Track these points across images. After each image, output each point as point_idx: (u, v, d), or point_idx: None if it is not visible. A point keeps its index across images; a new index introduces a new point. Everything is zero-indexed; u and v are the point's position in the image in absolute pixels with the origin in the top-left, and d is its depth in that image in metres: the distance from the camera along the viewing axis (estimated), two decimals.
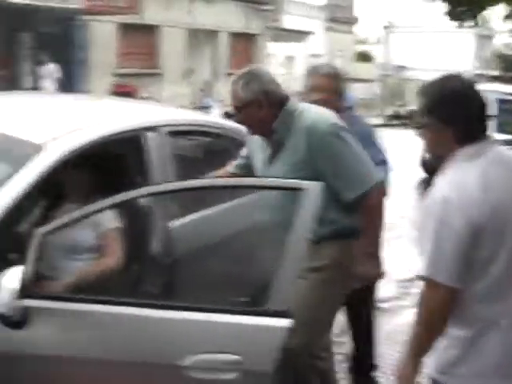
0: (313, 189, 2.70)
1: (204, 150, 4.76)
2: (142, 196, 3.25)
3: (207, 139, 4.58)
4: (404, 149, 16.28)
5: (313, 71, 4.31)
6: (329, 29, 38.70)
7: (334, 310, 3.90)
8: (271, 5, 31.26)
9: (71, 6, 17.84)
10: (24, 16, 18.04)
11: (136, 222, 3.79)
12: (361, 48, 53.68)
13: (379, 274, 3.94)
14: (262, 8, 30.60)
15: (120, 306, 2.83)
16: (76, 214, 2.95)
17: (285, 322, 2.66)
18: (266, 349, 2.68)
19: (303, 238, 2.69)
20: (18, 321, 2.77)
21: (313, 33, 35.02)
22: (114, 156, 3.97)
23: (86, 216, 2.96)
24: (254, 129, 3.74)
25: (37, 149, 3.38)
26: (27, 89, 17.79)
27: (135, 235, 3.77)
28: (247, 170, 3.97)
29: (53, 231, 2.88)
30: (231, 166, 4.10)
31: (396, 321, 6.33)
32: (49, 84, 17.36)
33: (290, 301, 2.66)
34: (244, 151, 4.08)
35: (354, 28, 44.17)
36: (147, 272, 3.71)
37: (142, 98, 19.57)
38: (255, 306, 2.80)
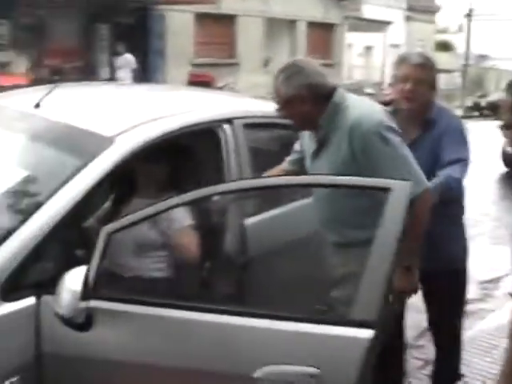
0: (402, 188, 2.45)
1: (281, 142, 4.56)
2: (217, 194, 3.06)
3: (284, 132, 4.37)
4: (484, 141, 15.80)
5: (403, 60, 3.99)
6: (409, 18, 38.01)
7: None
8: None
9: None
10: (101, 7, 18.14)
11: (210, 219, 3.62)
12: (441, 37, 52.64)
13: (414, 290, 3.63)
14: None
15: (190, 311, 2.63)
16: (146, 211, 2.76)
17: (369, 334, 2.40)
18: (348, 362, 2.42)
19: (392, 243, 2.43)
20: (81, 323, 2.61)
21: (392, 22, 34.42)
22: (187, 149, 3.82)
23: (157, 213, 2.77)
24: (299, 124, 3.54)
25: (107, 142, 3.25)
26: (104, 79, 17.87)
27: (209, 234, 3.60)
28: (300, 165, 3.76)
29: (120, 229, 2.71)
30: (286, 162, 3.90)
31: (480, 325, 5.94)
32: (125, 74, 17.39)
33: (377, 310, 2.39)
34: (297, 145, 3.87)
35: (436, 17, 43.21)
36: (220, 274, 3.53)
37: (219, 88, 19.50)
38: (336, 315, 2.56)
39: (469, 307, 6.14)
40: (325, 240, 3.59)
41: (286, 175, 3.70)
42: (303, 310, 2.63)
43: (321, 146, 3.44)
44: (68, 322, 2.59)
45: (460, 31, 55.71)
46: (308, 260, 3.59)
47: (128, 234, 3.13)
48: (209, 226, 3.65)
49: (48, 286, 2.72)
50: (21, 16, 17.12)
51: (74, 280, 2.61)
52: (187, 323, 2.62)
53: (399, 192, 2.44)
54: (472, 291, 6.56)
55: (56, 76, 15.47)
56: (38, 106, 3.66)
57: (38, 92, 3.82)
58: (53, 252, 2.98)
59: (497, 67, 45.26)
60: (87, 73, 18.48)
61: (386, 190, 2.45)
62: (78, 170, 3.10)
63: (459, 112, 28.30)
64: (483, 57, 42.84)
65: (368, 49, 35.55)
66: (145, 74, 19.93)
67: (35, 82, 12.65)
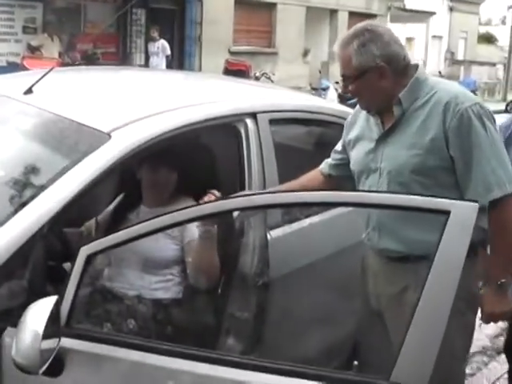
0: (466, 212, 1.85)
1: (313, 140, 4.00)
2: (236, 209, 2.49)
3: (317, 128, 3.81)
4: None
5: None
6: (452, 9, 37.17)
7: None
8: None
9: None
10: None
11: (228, 233, 3.05)
12: (484, 29, 51.59)
13: (506, 314, 2.99)
14: None
15: (191, 361, 2.02)
16: (137, 228, 2.21)
17: None
18: None
19: (450, 281, 1.83)
20: (48, 368, 2.03)
21: (435, 13, 33.65)
22: (201, 148, 3.28)
23: (148, 234, 2.19)
24: (371, 103, 2.93)
25: (103, 137, 2.73)
26: (139, 65, 17.54)
27: (225, 248, 3.05)
28: (344, 169, 3.19)
29: (101, 251, 2.16)
30: (325, 165, 3.32)
31: None
32: (159, 61, 17.08)
33: (428, 375, 1.76)
34: (339, 145, 3.28)
35: (480, 8, 42.20)
36: (233, 303, 2.96)
37: (255, 77, 19.01)
38: (373, 374, 1.94)
39: None
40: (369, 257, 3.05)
41: (323, 181, 3.22)
42: (333, 365, 2.05)
43: (392, 128, 2.88)
44: (26, 370, 2.01)
45: (503, 23, 54.65)
46: (343, 288, 3.03)
47: (135, 246, 2.61)
48: (226, 240, 3.08)
49: (17, 314, 2.11)
50: None
51: (37, 313, 2.02)
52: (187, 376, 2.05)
53: (461, 217, 1.84)
54: None
55: (88, 61, 15.15)
56: (29, 91, 3.14)
57: (36, 76, 3.28)
58: (29, 269, 2.41)
59: None
60: (120, 58, 18.15)
61: (444, 212, 1.84)
62: (65, 170, 2.60)
63: (501, 106, 27.40)
64: None
65: (409, 40, 34.78)
66: (180, 60, 19.60)
67: (66, 66, 12.26)
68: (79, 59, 15.58)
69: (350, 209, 3.14)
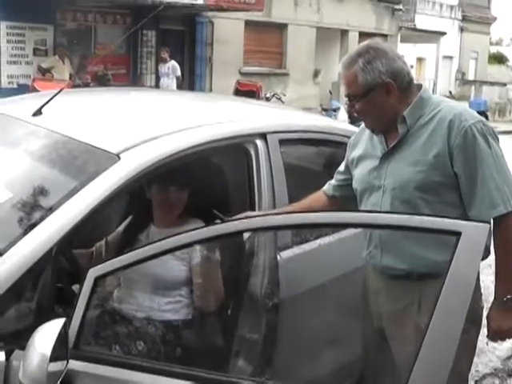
0: (476, 232, 1.83)
1: (323, 160, 3.99)
2: (247, 231, 2.49)
3: (326, 148, 3.80)
4: None
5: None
6: (463, 29, 37.15)
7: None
8: (404, 4, 30.13)
9: (196, 3, 17.50)
10: (148, 13, 17.86)
11: (236, 253, 3.04)
12: (495, 49, 51.56)
13: None
14: (395, 7, 29.56)
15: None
16: (145, 250, 2.19)
17: None
18: None
19: (461, 302, 1.81)
20: None
21: (446, 33, 33.66)
22: (211, 168, 3.26)
23: (156, 256, 2.18)
24: (377, 121, 2.92)
25: (112, 159, 2.72)
26: (149, 86, 17.60)
27: (234, 271, 3.04)
28: (347, 190, 3.18)
29: (110, 273, 2.14)
30: (329, 186, 3.32)
31: None
32: (169, 82, 17.08)
33: None
34: (342, 166, 3.28)
35: (490, 28, 42.16)
36: (243, 325, 2.93)
37: (266, 98, 19.02)
38: None
39: None
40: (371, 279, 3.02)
41: (327, 202, 3.20)
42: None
43: (397, 146, 2.88)
44: None
45: None
46: (351, 310, 3.01)
47: (144, 268, 2.57)
48: (236, 261, 3.07)
49: (25, 337, 2.08)
50: (64, 21, 16.94)
51: (45, 336, 2.00)
52: None
53: (472, 238, 1.82)
54: None
55: (99, 82, 15.22)
56: (38, 113, 3.14)
57: (45, 97, 3.28)
58: (38, 291, 2.40)
59: None
60: (131, 79, 18.23)
61: (455, 233, 1.82)
62: (75, 191, 2.59)
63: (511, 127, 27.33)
64: None
65: (420, 60, 34.79)
66: (191, 81, 19.65)
67: (76, 88, 12.32)
68: (90, 81, 15.63)
69: (358, 230, 3.14)
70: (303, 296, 3.12)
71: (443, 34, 33.33)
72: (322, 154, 4.00)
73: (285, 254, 3.17)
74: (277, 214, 2.73)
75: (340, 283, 3.34)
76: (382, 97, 2.82)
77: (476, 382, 5.00)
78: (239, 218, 2.58)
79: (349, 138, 3.31)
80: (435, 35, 32.83)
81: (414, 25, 31.69)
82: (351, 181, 3.14)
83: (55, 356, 1.97)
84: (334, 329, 3.09)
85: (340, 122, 4.88)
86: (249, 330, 2.92)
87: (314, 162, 4.04)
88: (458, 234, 1.82)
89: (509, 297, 2.79)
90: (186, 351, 2.84)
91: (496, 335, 2.95)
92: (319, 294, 3.21)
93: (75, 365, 2.06)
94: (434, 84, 33.37)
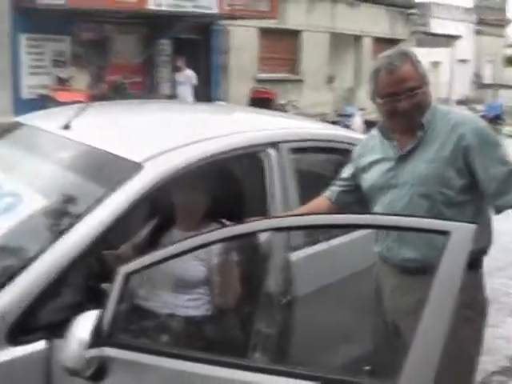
0: (465, 232, 2.06)
1: (332, 167, 4.20)
2: (262, 231, 2.70)
3: (335, 156, 4.01)
4: None
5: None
6: (478, 32, 37.13)
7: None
8: (418, 9, 30.20)
9: (210, 12, 17.69)
10: (163, 23, 18.07)
11: (253, 255, 3.28)
12: (511, 52, 51.37)
13: None
14: (408, 12, 29.64)
15: (221, 368, 2.20)
16: (172, 249, 2.43)
17: None
18: None
19: (449, 295, 2.03)
20: (91, 374, 2.27)
21: (461, 37, 33.69)
22: (227, 176, 3.49)
23: (182, 253, 2.42)
24: (411, 121, 3.10)
25: (136, 168, 2.95)
26: (165, 95, 17.77)
27: (251, 270, 3.27)
28: (350, 195, 3.41)
29: (139, 270, 2.39)
30: (332, 192, 3.48)
31: None
32: (185, 90, 17.25)
33: (431, 378, 1.93)
34: (346, 171, 3.47)
35: (506, 31, 42.11)
36: (259, 323, 3.16)
37: (281, 105, 19.20)
38: (380, 379, 2.14)
39: None
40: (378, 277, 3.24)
41: (330, 207, 3.40)
42: (348, 370, 2.25)
43: (413, 148, 3.10)
44: (74, 373, 2.26)
45: None
46: (360, 304, 3.22)
47: (166, 266, 2.82)
48: (251, 262, 3.31)
49: (63, 327, 2.36)
50: (81, 32, 17.17)
51: (83, 325, 2.28)
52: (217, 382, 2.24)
53: (460, 237, 2.04)
54: None
55: (116, 92, 15.45)
56: (67, 127, 3.39)
57: (74, 111, 3.54)
58: (72, 287, 2.71)
59: None
60: (148, 88, 18.42)
61: (445, 233, 2.05)
62: (102, 198, 2.84)
63: None
64: None
65: (435, 64, 34.79)
66: (207, 89, 19.80)
67: (94, 98, 12.55)
68: (107, 90, 15.88)
69: (367, 232, 3.37)
70: (315, 293, 3.34)
71: (458, 37, 33.35)
72: (331, 161, 4.20)
73: (297, 254, 3.40)
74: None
75: (350, 282, 3.55)
76: (425, 96, 3.08)
77: (484, 379, 5.13)
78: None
79: (354, 145, 3.53)
80: (450, 39, 32.85)
81: (429, 29, 31.71)
82: (354, 187, 3.36)
83: (92, 343, 2.24)
84: (344, 323, 3.29)
85: (346, 131, 5.05)
86: (265, 324, 3.15)
87: (323, 168, 4.24)
88: (447, 234, 2.05)
89: None
90: (207, 344, 3.07)
91: None
92: (330, 292, 3.42)
93: (109, 351, 2.29)
94: (450, 88, 33.39)
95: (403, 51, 3.14)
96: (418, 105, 3.05)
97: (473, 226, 2.05)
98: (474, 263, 2.99)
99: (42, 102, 13.18)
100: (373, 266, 3.29)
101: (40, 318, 2.52)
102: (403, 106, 3.03)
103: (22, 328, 2.46)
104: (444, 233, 2.05)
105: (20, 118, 4.09)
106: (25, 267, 2.57)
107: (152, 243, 3.42)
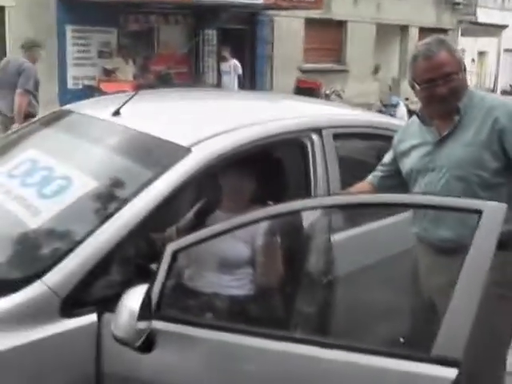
0: (496, 211, 2.15)
1: (374, 153, 4.29)
2: (305, 209, 2.80)
3: (377, 142, 4.10)
4: None
5: None
6: None
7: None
8: None
9: (255, 2, 17.79)
10: (209, 13, 18.20)
11: (295, 236, 3.37)
12: None
13: None
14: (455, 1, 29.37)
15: (264, 339, 2.36)
16: (216, 227, 2.56)
17: (451, 373, 2.07)
18: None
19: (479, 273, 2.13)
20: (141, 345, 2.40)
21: (508, 26, 33.28)
22: (271, 161, 3.59)
23: (227, 231, 2.54)
24: (449, 107, 3.21)
25: (183, 151, 3.07)
26: (210, 85, 17.90)
27: (293, 251, 3.37)
28: (390, 180, 3.54)
29: (186, 247, 2.51)
30: (374, 177, 3.61)
31: None
32: (231, 80, 17.35)
33: (462, 345, 2.06)
34: (387, 157, 3.60)
35: None
36: (300, 299, 3.27)
37: (326, 95, 19.24)
38: (415, 349, 2.25)
39: None
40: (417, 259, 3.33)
41: (372, 191, 3.51)
42: (385, 342, 2.36)
43: (450, 133, 3.22)
44: (124, 343, 2.39)
45: None
46: (396, 283, 3.32)
47: (211, 248, 2.99)
48: (293, 243, 3.41)
49: (112, 302, 2.50)
50: (127, 23, 17.38)
51: (133, 299, 2.40)
52: (260, 353, 2.37)
53: (491, 216, 2.14)
54: None
55: (162, 82, 15.60)
56: (117, 113, 3.52)
57: (122, 99, 3.67)
58: (121, 265, 2.82)
59: None
60: (193, 79, 18.58)
61: (477, 211, 2.15)
62: (151, 181, 2.94)
63: None
64: None
65: (482, 54, 34.49)
66: (252, 79, 19.90)
67: (140, 88, 12.70)
68: (153, 80, 16.03)
69: (405, 215, 3.46)
70: (355, 274, 3.45)
71: (505, 27, 32.98)
72: (373, 147, 4.30)
73: (338, 236, 3.50)
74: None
75: (388, 263, 3.64)
76: (462, 81, 3.18)
77: None
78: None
79: (396, 131, 3.62)
80: (497, 28, 32.49)
81: (475, 18, 31.39)
82: (394, 172, 3.48)
83: (141, 315, 2.36)
84: (383, 303, 3.38)
85: (388, 118, 5.14)
86: (306, 303, 3.26)
87: (365, 154, 4.34)
88: (479, 213, 2.14)
89: None
90: (249, 324, 3.19)
91: None
92: (369, 273, 3.51)
93: (157, 324, 2.43)
94: (496, 78, 33.07)
95: (440, 38, 3.23)
96: (454, 90, 3.13)
97: (504, 206, 2.15)
98: (509, 243, 3.05)
99: (88, 93, 13.41)
100: (410, 248, 3.38)
101: (91, 293, 2.65)
102: (441, 91, 3.12)
103: (73, 302, 2.58)
104: (476, 211, 2.14)
105: (69, 106, 4.22)
106: (77, 245, 2.69)
107: (197, 226, 3.53)
